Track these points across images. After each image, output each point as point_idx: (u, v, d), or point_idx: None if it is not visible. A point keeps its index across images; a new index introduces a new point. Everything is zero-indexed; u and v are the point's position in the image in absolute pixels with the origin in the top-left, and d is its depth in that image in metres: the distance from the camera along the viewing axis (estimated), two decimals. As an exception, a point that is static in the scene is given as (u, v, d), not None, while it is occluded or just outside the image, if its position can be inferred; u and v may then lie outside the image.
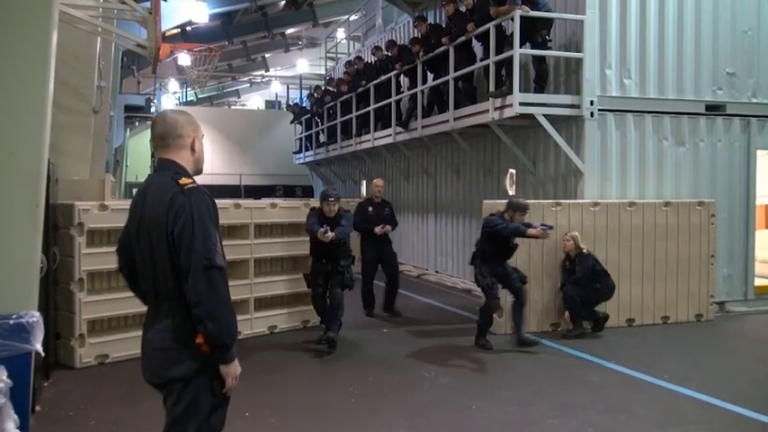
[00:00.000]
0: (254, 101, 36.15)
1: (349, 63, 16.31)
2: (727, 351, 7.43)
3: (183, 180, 2.73)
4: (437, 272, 13.27)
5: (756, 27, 9.75)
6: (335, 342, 7.19)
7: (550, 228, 7.28)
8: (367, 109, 14.20)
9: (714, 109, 9.56)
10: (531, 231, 7.14)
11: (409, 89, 12.50)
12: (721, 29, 9.57)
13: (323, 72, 23.70)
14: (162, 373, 2.75)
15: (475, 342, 7.48)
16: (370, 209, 9.35)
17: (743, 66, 9.70)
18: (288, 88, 27.50)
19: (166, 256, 2.69)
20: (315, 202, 8.48)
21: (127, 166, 26.40)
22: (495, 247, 7.40)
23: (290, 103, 24.56)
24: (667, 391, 5.92)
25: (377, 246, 9.30)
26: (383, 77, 13.25)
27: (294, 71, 29.03)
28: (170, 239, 2.67)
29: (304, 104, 20.98)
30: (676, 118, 9.41)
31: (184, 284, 2.63)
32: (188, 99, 32.90)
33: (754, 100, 9.77)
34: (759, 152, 9.82)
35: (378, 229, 9.12)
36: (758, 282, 9.94)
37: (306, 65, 28.15)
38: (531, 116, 8.88)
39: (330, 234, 6.94)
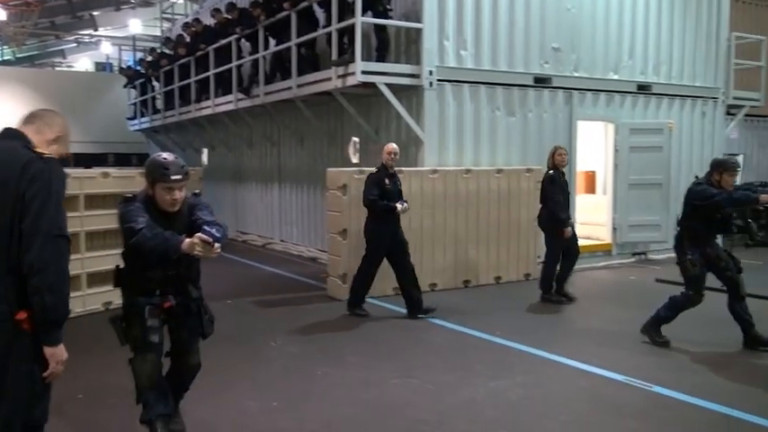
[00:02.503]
0: (83, 62, 33.49)
1: (187, 25, 15.58)
2: (550, 305, 8.07)
3: (40, 150, 2.64)
4: (282, 241, 13.21)
5: (579, 5, 10.49)
6: None
7: None
8: (206, 74, 13.67)
9: (541, 82, 10.22)
10: (765, 197, 5.74)
11: (251, 54, 12.18)
12: (548, 5, 10.20)
13: (158, 34, 22.45)
14: None
15: (646, 332, 6.35)
16: (387, 181, 7.37)
17: (566, 41, 10.42)
18: (120, 50, 25.77)
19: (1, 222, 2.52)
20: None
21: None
22: (708, 223, 6.00)
23: (123, 65, 23.06)
24: (500, 347, 6.34)
25: (395, 227, 7.40)
26: (223, 41, 12.80)
27: (127, 32, 27.23)
28: (17, 205, 2.51)
29: (138, 67, 19.79)
30: (508, 89, 9.96)
31: (24, 253, 2.46)
32: (4, 58, 29.87)
33: (576, 74, 10.55)
34: (579, 123, 10.66)
35: (400, 207, 7.28)
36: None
37: (139, 25, 26.48)
38: (374, 85, 9.01)
39: (217, 246, 3.53)
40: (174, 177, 3.67)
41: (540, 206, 8.26)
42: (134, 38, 25.71)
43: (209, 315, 4.04)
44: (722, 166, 6.00)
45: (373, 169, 7.57)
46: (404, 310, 7.54)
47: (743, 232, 13.05)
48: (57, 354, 2.53)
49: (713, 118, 12.22)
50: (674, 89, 11.58)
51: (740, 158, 12.92)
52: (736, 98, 12.58)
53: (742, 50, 12.82)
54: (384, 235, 7.33)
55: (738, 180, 12.78)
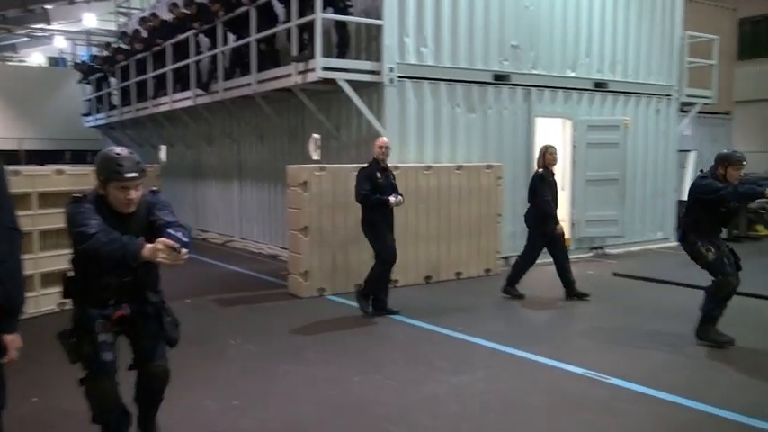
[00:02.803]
0: (35, 57, 32.64)
1: (143, 20, 15.29)
2: (511, 302, 8.16)
3: None
4: (243, 238, 13.08)
5: (537, 3, 10.61)
6: None
7: None
8: (164, 69, 13.45)
9: (501, 79, 10.31)
10: None
11: (209, 50, 12.02)
12: (507, 3, 10.30)
13: (114, 28, 22.02)
14: None
15: (704, 337, 6.04)
16: (379, 176, 7.24)
17: (525, 39, 10.53)
18: (74, 44, 25.22)
19: None
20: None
21: None
22: (712, 217, 6.00)
23: (77, 60, 22.55)
24: (461, 342, 6.39)
25: (390, 222, 7.34)
26: (181, 36, 12.60)
27: (81, 26, 26.61)
28: None
29: (93, 62, 19.37)
30: (467, 86, 10.02)
31: None
32: (-48, 52, 28.95)
33: (534, 71, 10.67)
34: (538, 119, 10.79)
35: (393, 200, 7.17)
36: (538, 237, 11.01)
37: (94, 20, 25.90)
38: (334, 81, 8.98)
39: (185, 252, 3.10)
40: (129, 175, 3.28)
41: (527, 204, 8.24)
42: (88, 32, 25.19)
43: (172, 318, 3.65)
44: (727, 160, 5.89)
45: (364, 164, 7.42)
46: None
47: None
48: (16, 340, 2.63)
49: (667, 115, 12.50)
50: (629, 87, 11.81)
51: (693, 154, 13.29)
52: (689, 96, 12.89)
53: (695, 49, 13.14)
54: (383, 228, 7.21)
55: (691, 175, 13.09)
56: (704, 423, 4.45)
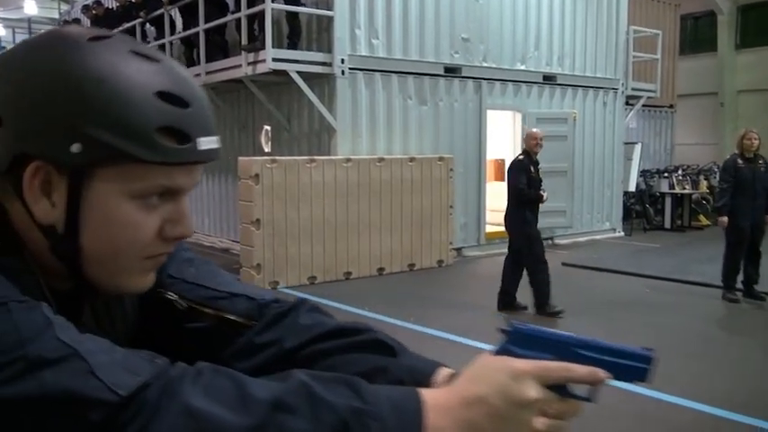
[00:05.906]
0: (-28, 45, 31.47)
1: (86, 8, 14.85)
2: (464, 291, 8.26)
3: None
4: (194, 232, 12.88)
5: (486, -3, 10.71)
6: None
7: None
8: (109, 59, 13.09)
9: (452, 71, 10.37)
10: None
11: (156, 39, 11.76)
12: (457, -4, 10.35)
13: (56, 16, 21.37)
14: None
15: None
16: (532, 169, 6.97)
17: (475, 32, 10.61)
18: (14, 32, 24.37)
19: None
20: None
21: None
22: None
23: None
24: (412, 332, 6.43)
25: (537, 218, 7.03)
26: (127, 25, 12.29)
27: (22, 13, 25.74)
28: None
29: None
30: (419, 78, 10.05)
31: None
32: None
33: (485, 64, 10.77)
34: (489, 112, 10.90)
35: (546, 196, 7.00)
36: (488, 228, 11.15)
37: (35, 7, 25.10)
38: (285, 72, 8.90)
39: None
40: (205, 144, 0.79)
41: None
42: (29, 20, 24.38)
43: None
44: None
45: (519, 156, 7.24)
46: (314, 298, 7.51)
47: (641, 217, 13.77)
48: None
49: (614, 108, 12.78)
50: (576, 80, 12.02)
51: (638, 146, 13.64)
52: (634, 89, 13.21)
53: (639, 44, 13.46)
54: (534, 225, 6.90)
55: (637, 167, 13.38)
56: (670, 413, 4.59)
